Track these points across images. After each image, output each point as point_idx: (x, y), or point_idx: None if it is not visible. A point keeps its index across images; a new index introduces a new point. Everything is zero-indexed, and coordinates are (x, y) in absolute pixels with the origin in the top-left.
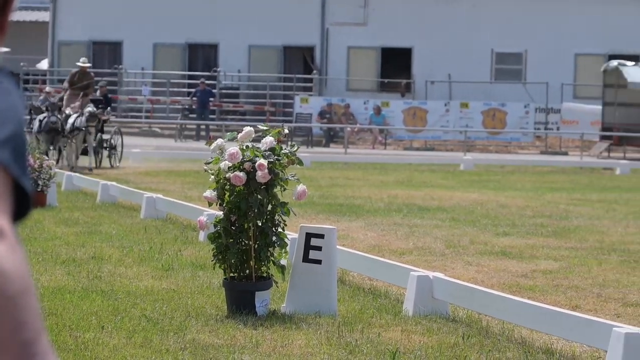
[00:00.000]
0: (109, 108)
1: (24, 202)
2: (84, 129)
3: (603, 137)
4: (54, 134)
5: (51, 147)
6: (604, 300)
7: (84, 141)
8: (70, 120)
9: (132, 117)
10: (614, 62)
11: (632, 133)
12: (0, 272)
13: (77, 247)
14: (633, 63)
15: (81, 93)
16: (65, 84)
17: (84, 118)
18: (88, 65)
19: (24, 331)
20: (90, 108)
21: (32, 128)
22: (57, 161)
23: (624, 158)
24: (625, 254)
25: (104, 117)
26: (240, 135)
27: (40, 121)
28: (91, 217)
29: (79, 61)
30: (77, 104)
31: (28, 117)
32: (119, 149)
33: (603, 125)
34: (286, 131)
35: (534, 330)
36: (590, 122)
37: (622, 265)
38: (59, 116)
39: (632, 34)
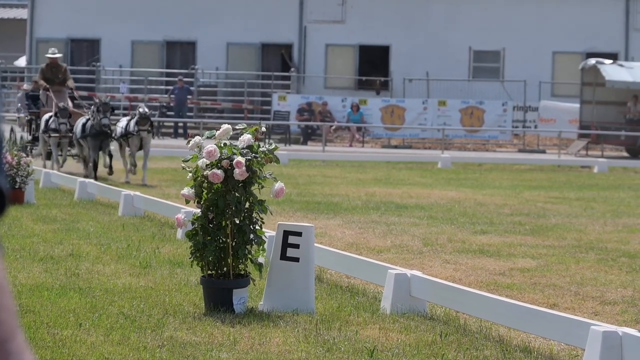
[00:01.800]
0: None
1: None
2: (135, 133)
3: (581, 135)
4: (102, 137)
5: (100, 152)
6: (581, 298)
7: (140, 147)
8: (122, 124)
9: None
10: (592, 61)
11: (610, 131)
12: None
13: (54, 245)
14: (611, 61)
15: (65, 87)
16: (41, 82)
17: (133, 121)
18: (58, 55)
19: None
20: (142, 109)
21: (48, 129)
22: (110, 168)
23: (602, 156)
24: (603, 252)
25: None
26: (218, 132)
27: (84, 124)
28: (69, 215)
29: (47, 52)
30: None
31: (47, 119)
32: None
33: (581, 124)
34: (264, 129)
35: (511, 328)
36: (568, 120)
37: (600, 263)
38: (110, 118)
39: (610, 33)
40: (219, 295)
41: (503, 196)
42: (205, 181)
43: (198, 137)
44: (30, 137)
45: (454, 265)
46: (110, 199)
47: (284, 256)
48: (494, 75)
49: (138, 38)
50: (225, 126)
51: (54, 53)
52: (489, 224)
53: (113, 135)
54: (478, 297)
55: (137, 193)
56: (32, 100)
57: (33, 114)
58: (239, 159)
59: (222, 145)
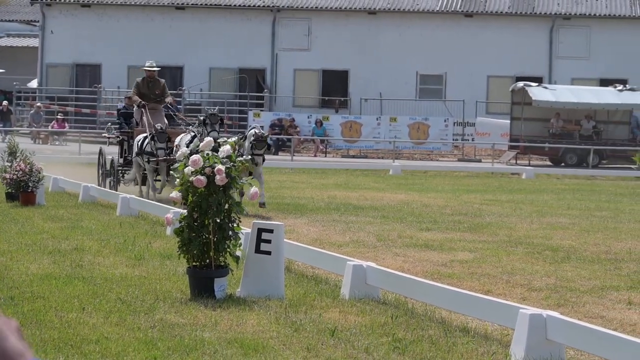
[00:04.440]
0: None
1: None
2: (249, 157)
3: (511, 147)
4: None
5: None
6: (511, 285)
7: (250, 173)
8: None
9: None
10: (521, 83)
11: (536, 143)
12: None
13: (61, 240)
14: (537, 84)
15: (163, 105)
16: (135, 98)
17: (247, 143)
18: (156, 68)
19: None
20: (256, 130)
21: (143, 152)
22: None
23: (529, 165)
24: (530, 246)
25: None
26: (201, 144)
27: (189, 142)
28: (74, 214)
29: (145, 65)
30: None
31: (141, 140)
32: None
33: (511, 137)
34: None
35: (452, 311)
36: (500, 134)
37: (527, 256)
38: (220, 132)
39: (536, 60)
40: (203, 284)
41: (445, 199)
42: (191, 186)
43: (185, 148)
44: (121, 160)
45: (403, 258)
46: (110, 201)
47: (258, 250)
48: (438, 96)
49: (133, 63)
50: (207, 139)
51: (151, 66)
52: (433, 222)
53: None
54: (424, 285)
55: (133, 196)
56: (125, 119)
57: (125, 133)
58: (220, 166)
59: (205, 155)
